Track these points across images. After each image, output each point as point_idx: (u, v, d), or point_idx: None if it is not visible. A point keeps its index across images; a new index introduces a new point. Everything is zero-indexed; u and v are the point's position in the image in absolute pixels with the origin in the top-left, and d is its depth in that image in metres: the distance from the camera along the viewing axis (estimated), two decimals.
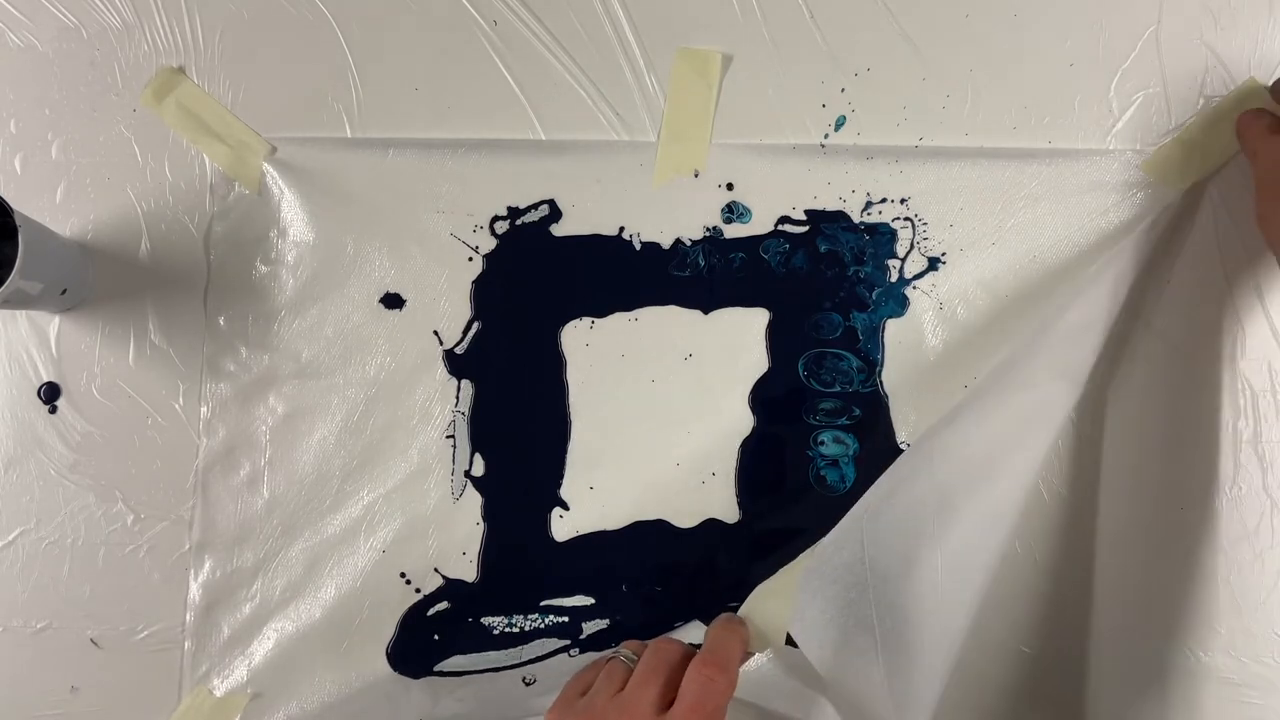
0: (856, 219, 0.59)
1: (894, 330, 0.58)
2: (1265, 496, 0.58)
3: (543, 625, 0.58)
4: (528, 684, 0.57)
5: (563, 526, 0.58)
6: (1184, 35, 0.59)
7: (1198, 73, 0.59)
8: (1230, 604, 0.57)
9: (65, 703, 0.57)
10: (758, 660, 0.55)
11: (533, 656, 0.57)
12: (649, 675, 0.44)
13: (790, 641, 0.49)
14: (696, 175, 0.59)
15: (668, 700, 0.44)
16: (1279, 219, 0.49)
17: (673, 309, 0.59)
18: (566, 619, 0.58)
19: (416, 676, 0.57)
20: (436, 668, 0.57)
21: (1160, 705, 0.58)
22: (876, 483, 0.51)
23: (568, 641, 0.58)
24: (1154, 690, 0.58)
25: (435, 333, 0.58)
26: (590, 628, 0.58)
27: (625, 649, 0.47)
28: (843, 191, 0.59)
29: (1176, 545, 0.58)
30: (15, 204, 0.50)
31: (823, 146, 0.59)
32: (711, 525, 0.57)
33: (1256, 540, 0.58)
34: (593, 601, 0.58)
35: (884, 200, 0.59)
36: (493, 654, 0.57)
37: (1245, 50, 0.59)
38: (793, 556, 0.53)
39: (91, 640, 0.57)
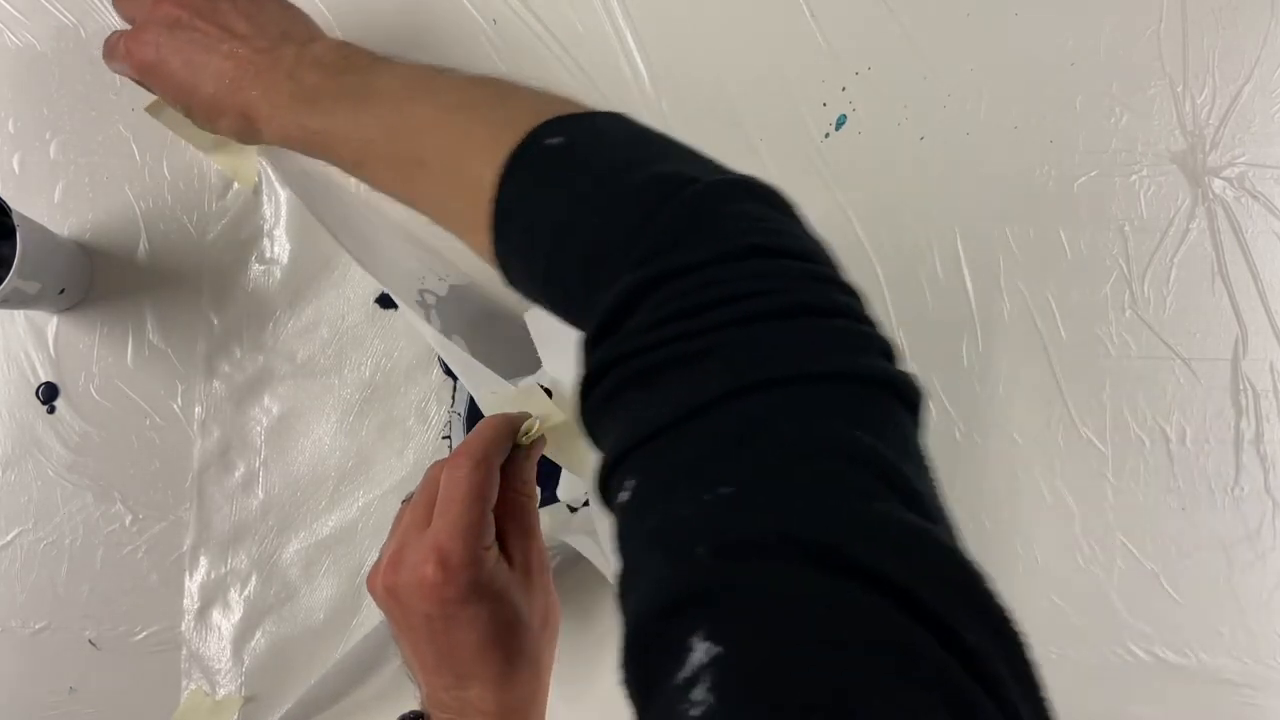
0: None
1: None
2: (1267, 497, 0.58)
3: None
4: None
5: None
6: (1185, 35, 0.59)
7: (1200, 72, 0.59)
8: (1232, 605, 0.57)
9: (64, 703, 0.57)
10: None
11: None
12: (416, 504, 0.41)
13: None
14: None
15: None
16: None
17: None
18: None
19: None
20: None
21: (1162, 706, 0.58)
22: None
23: None
24: (1155, 691, 0.58)
25: None
26: None
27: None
28: None
29: (1178, 546, 0.58)
30: (13, 203, 0.50)
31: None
32: None
33: (1258, 541, 0.57)
34: None
35: None
36: None
37: (1246, 50, 0.59)
38: None
39: (90, 641, 0.57)
